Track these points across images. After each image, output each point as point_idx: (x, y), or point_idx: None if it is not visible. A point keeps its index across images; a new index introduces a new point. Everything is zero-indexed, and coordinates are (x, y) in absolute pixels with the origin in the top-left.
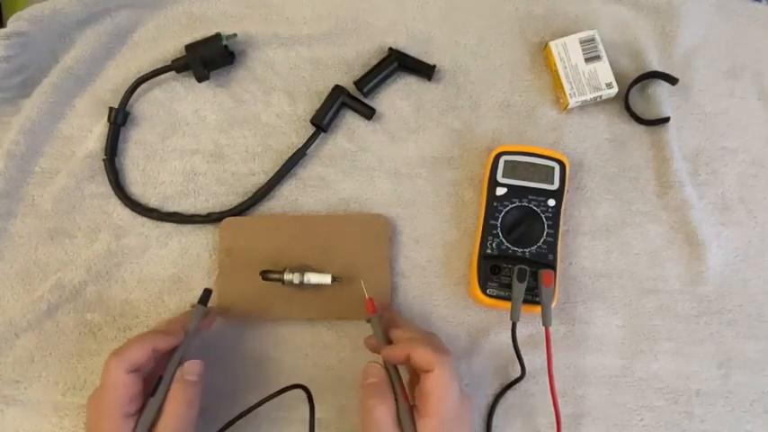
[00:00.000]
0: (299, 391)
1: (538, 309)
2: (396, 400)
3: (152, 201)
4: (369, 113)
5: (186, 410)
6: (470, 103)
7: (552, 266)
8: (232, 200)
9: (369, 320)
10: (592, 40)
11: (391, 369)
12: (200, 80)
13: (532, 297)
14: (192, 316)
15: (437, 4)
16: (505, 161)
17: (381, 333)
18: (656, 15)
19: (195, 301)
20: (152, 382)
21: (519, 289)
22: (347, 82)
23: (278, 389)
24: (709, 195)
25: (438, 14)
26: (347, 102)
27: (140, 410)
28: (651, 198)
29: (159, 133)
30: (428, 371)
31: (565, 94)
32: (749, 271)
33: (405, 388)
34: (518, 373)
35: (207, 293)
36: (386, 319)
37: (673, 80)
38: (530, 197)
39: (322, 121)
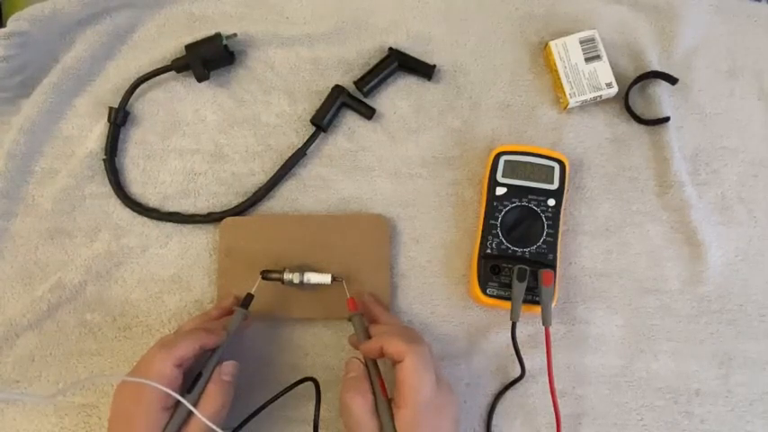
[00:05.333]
0: (300, 391)
1: (538, 309)
2: (374, 393)
3: (152, 201)
4: (369, 113)
5: (220, 410)
6: (470, 103)
7: (552, 266)
8: (232, 200)
9: (350, 318)
10: (592, 39)
11: (370, 363)
12: (200, 80)
13: (532, 297)
14: (233, 318)
15: (437, 4)
16: (505, 161)
17: (362, 330)
18: (656, 15)
19: (195, 300)
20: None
21: (519, 289)
22: (347, 82)
23: (279, 389)
24: (709, 195)
25: (438, 14)
26: (347, 102)
27: (175, 405)
28: (651, 198)
29: (159, 133)
30: (399, 361)
31: (565, 94)
32: (749, 271)
33: (383, 381)
34: (518, 373)
35: (249, 297)
36: (369, 316)
37: (673, 80)
38: (530, 197)
39: (322, 121)
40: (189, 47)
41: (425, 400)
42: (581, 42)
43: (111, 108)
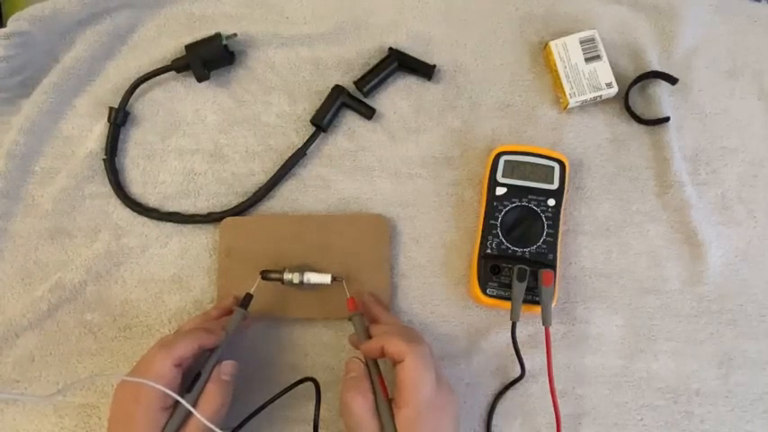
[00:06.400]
0: (300, 391)
1: (538, 309)
2: (374, 393)
3: (152, 201)
4: (369, 113)
5: (219, 409)
6: (470, 103)
7: (552, 266)
8: (232, 200)
9: (350, 318)
10: (592, 39)
11: (370, 363)
12: (200, 80)
13: (532, 297)
14: (232, 318)
15: (437, 4)
16: (505, 161)
17: (362, 330)
18: (656, 15)
19: (195, 300)
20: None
21: (519, 289)
22: (347, 82)
23: (279, 389)
24: (709, 195)
25: (438, 14)
26: (347, 102)
27: (174, 405)
28: (651, 198)
29: (159, 133)
30: (400, 361)
31: (565, 94)
32: (749, 271)
33: (384, 381)
34: (518, 373)
35: (248, 297)
36: (369, 316)
37: (673, 80)
38: (530, 197)
39: (322, 121)
40: (189, 47)
41: (426, 399)
42: (581, 42)
43: (111, 108)
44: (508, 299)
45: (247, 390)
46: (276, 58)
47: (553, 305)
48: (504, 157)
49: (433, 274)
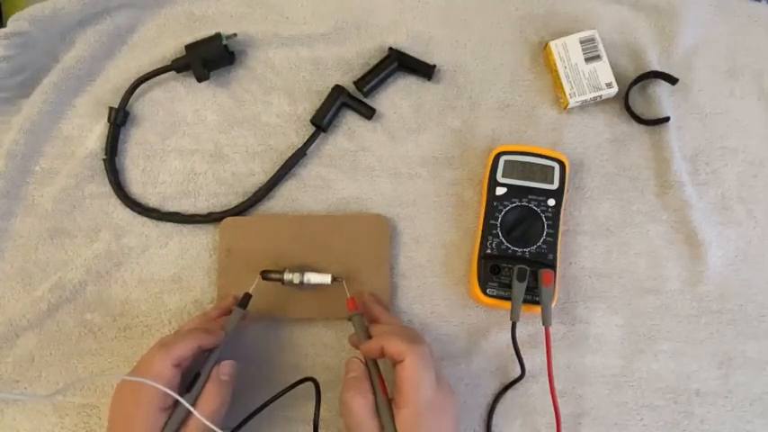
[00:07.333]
0: (300, 391)
1: (538, 309)
2: (374, 393)
3: (152, 201)
4: (369, 113)
5: (218, 409)
6: (470, 103)
7: (552, 266)
8: (232, 200)
9: (350, 318)
10: (592, 39)
11: (370, 363)
12: (200, 80)
13: (532, 297)
14: (231, 318)
15: (437, 4)
16: (505, 161)
17: (362, 330)
18: (656, 15)
19: (195, 300)
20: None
21: (519, 289)
22: (347, 82)
23: (279, 389)
24: (709, 195)
25: (438, 14)
26: (347, 102)
27: (173, 405)
28: (651, 198)
29: (159, 133)
30: (400, 361)
31: (565, 94)
32: (749, 271)
33: (384, 381)
34: (518, 373)
35: (247, 297)
36: (369, 316)
37: (673, 80)
38: (530, 197)
39: (322, 121)
40: (189, 47)
41: (426, 399)
42: (581, 42)
43: (111, 108)
44: (508, 299)
45: (247, 390)
46: (276, 58)
47: (553, 305)
48: (504, 157)
49: (433, 274)
